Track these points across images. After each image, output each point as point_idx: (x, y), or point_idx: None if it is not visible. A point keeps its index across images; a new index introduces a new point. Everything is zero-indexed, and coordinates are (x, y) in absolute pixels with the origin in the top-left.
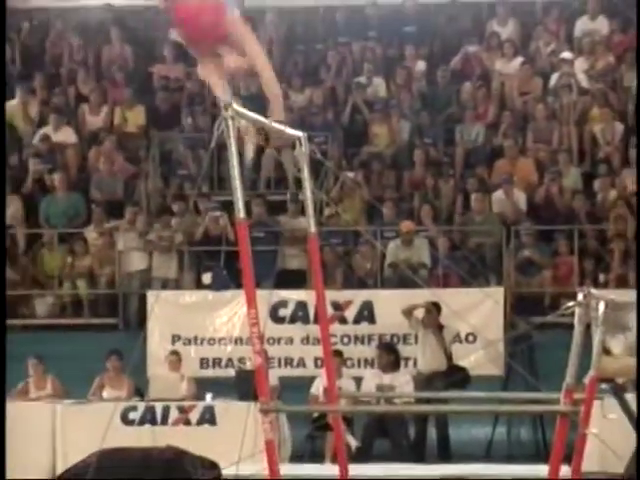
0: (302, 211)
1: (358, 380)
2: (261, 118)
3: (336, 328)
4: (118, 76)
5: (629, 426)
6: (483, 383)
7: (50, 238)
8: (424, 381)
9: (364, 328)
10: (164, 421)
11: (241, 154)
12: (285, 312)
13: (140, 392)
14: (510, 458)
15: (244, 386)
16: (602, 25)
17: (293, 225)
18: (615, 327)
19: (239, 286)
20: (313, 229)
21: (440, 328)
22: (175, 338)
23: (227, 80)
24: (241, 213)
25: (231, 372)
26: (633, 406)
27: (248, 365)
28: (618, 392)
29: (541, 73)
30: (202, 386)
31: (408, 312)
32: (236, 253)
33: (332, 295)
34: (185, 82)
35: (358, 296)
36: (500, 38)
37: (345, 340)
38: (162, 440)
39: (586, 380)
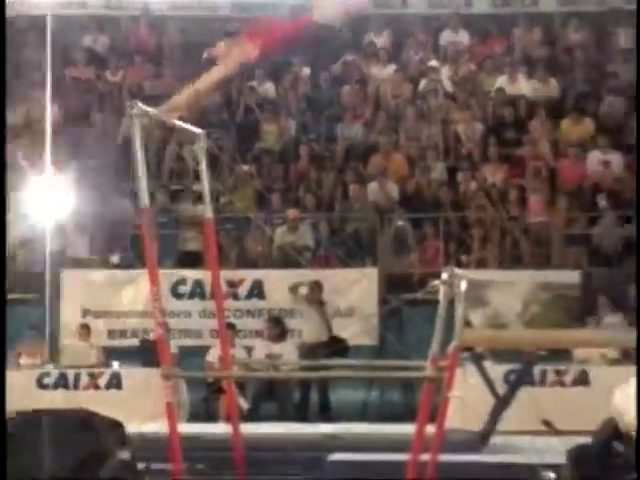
0: (200, 199)
1: (249, 349)
2: (163, 115)
3: (230, 303)
4: (35, 77)
5: (485, 389)
6: (360, 352)
7: None
8: (308, 350)
9: (255, 303)
10: (76, 386)
11: (146, 148)
12: (184, 289)
13: (54, 360)
14: (383, 418)
15: (148, 354)
16: (464, 37)
17: (192, 212)
18: (475, 302)
19: (144, 266)
20: (209, 215)
21: (322, 304)
22: (86, 312)
23: None
24: (145, 201)
25: (136, 342)
26: (490, 371)
27: (151, 336)
28: (477, 360)
29: (411, 79)
30: (110, 354)
31: (294, 289)
32: (141, 236)
33: (226, 274)
34: (96, 83)
35: (250, 275)
36: (376, 47)
37: (238, 314)
38: (74, 403)
39: (450, 349)
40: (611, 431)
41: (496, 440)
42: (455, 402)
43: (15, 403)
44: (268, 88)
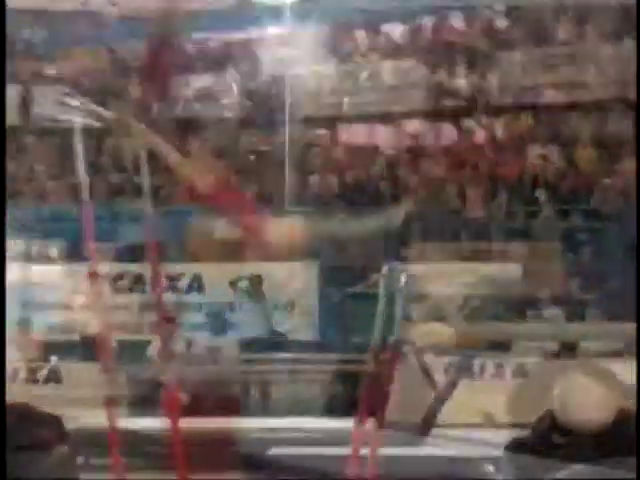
0: (140, 193)
1: (189, 343)
2: (102, 111)
3: (170, 297)
4: None
5: (425, 381)
6: (301, 346)
7: None
8: (248, 344)
9: (195, 297)
10: (14, 380)
11: (85, 141)
12: (125, 283)
13: None
14: (325, 412)
15: (88, 348)
16: (403, 30)
17: (132, 205)
18: (415, 296)
19: (84, 259)
20: (150, 209)
21: (262, 297)
22: (26, 305)
23: None
24: (86, 194)
25: (76, 336)
26: (430, 364)
27: (91, 330)
28: (417, 353)
29: (351, 72)
30: (50, 349)
31: (234, 283)
32: (81, 229)
33: (166, 268)
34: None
35: (190, 269)
36: (315, 41)
37: (178, 308)
38: (11, 397)
39: (390, 343)
40: (550, 423)
41: (435, 433)
42: (395, 395)
43: None
44: (207, 81)
